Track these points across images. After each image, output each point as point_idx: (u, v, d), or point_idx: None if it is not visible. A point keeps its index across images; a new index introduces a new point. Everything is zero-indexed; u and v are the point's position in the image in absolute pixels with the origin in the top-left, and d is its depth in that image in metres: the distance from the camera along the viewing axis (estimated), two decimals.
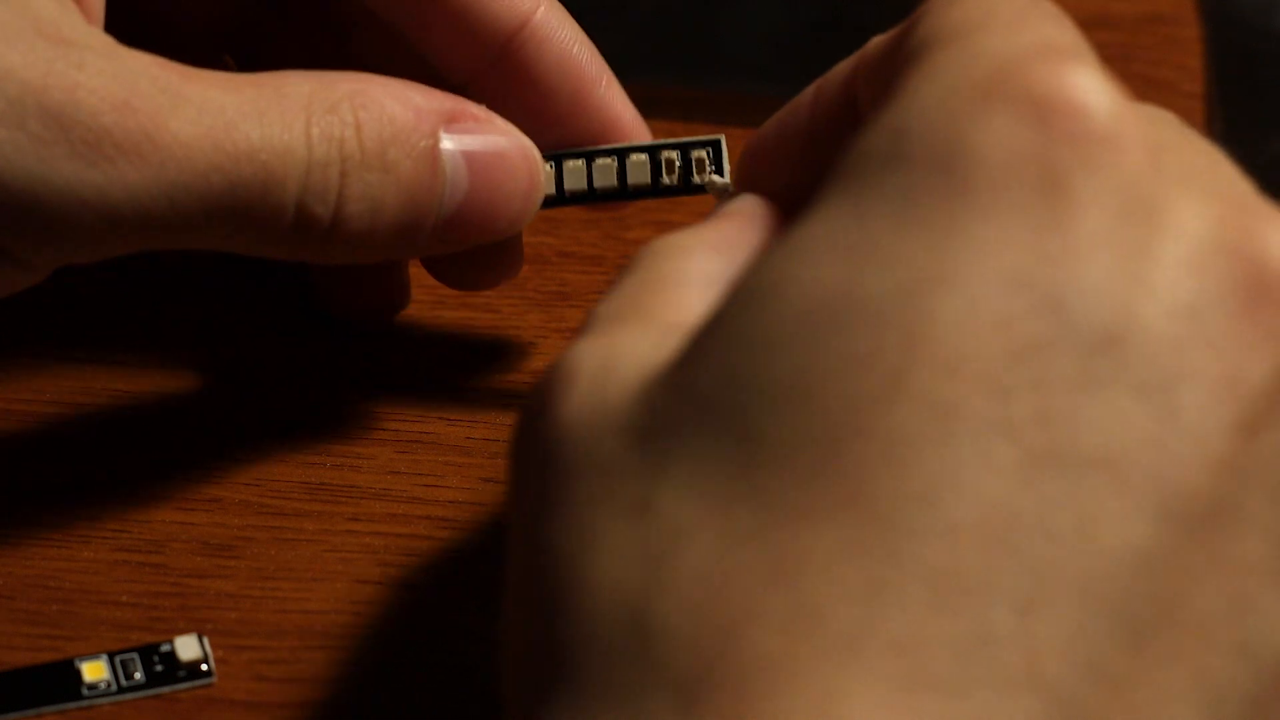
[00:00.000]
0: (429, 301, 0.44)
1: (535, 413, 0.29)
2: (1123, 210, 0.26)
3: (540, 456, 0.28)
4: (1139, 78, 0.53)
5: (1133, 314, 0.26)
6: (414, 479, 0.41)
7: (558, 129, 0.40)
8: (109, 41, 0.34)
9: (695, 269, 0.32)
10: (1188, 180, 0.27)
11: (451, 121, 0.37)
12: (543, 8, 0.39)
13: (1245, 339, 0.26)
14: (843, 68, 0.36)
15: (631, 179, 0.40)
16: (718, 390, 0.26)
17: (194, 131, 0.34)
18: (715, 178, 0.40)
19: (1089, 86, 0.27)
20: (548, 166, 0.39)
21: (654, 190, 0.40)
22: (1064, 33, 0.28)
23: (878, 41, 0.34)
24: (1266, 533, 0.26)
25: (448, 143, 0.37)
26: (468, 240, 0.38)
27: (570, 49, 0.39)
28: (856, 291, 0.26)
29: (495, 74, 0.39)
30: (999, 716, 0.24)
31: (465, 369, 0.43)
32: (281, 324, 0.44)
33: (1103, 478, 0.25)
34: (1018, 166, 0.26)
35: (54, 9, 0.34)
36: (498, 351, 0.44)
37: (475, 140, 0.37)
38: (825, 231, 0.27)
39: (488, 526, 0.40)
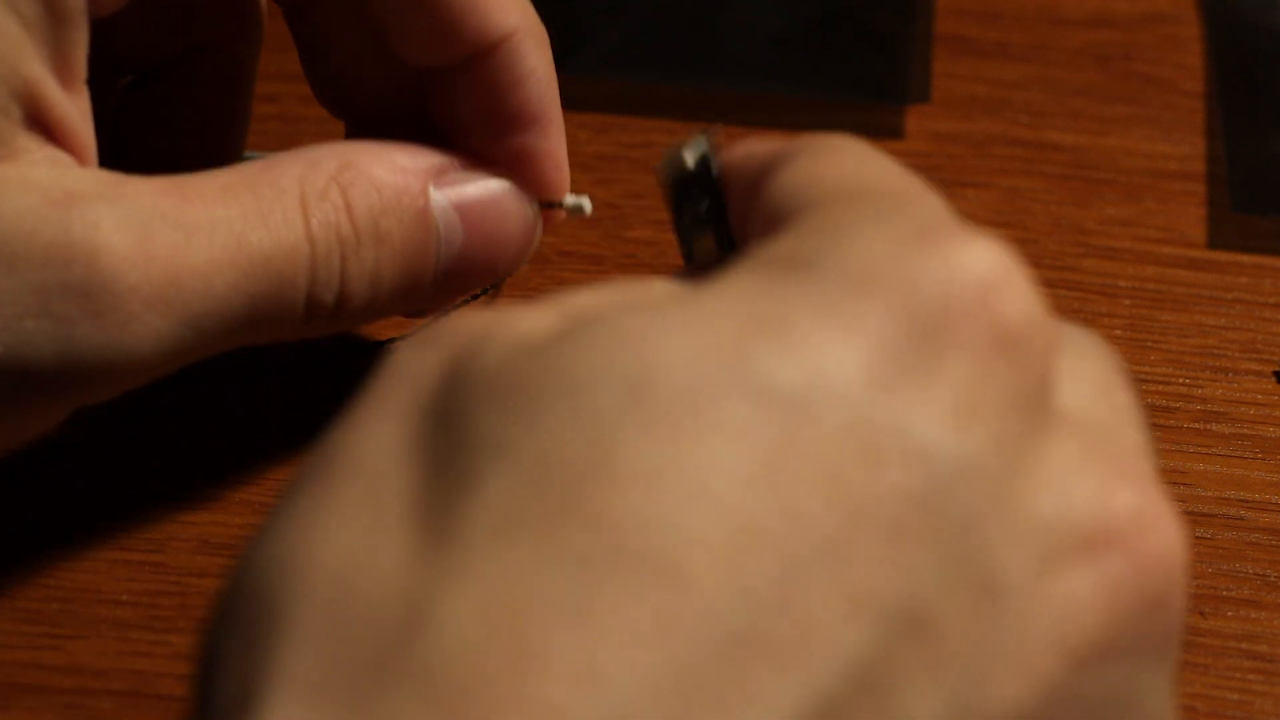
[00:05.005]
0: None
1: (420, 339, 0.28)
2: (1022, 409, 0.26)
3: (393, 363, 0.28)
4: (1139, 77, 0.54)
5: (1000, 509, 0.25)
6: None
7: (484, 148, 0.39)
8: (111, 180, 0.34)
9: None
10: (1081, 426, 0.27)
11: (439, 175, 0.37)
12: (521, 31, 0.38)
13: (1093, 584, 0.26)
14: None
15: None
16: (593, 382, 0.25)
17: (209, 260, 0.34)
18: (570, 201, 0.40)
19: (1022, 280, 0.27)
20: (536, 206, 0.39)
21: None
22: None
23: (748, 150, 0.33)
24: None
25: (438, 198, 0.37)
26: (469, 287, 0.38)
27: (529, 79, 0.38)
28: (752, 366, 0.25)
29: (452, 76, 0.38)
30: None
31: None
32: None
33: (913, 641, 0.24)
34: (939, 315, 0.26)
35: (48, 171, 0.33)
36: None
37: (465, 191, 0.37)
38: (735, 296, 0.26)
39: None
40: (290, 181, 0.35)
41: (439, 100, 0.39)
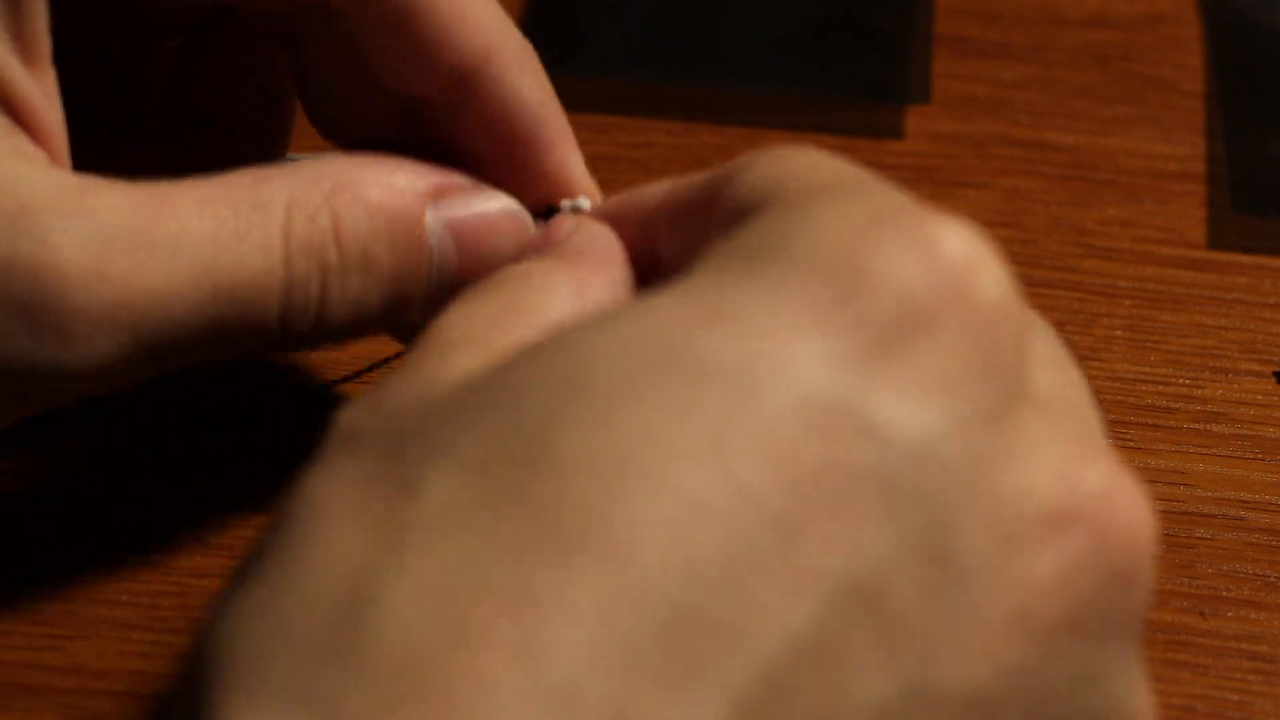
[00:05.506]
0: None
1: (358, 401, 0.28)
2: (982, 386, 0.26)
3: (333, 427, 0.28)
4: (1139, 77, 0.54)
5: (958, 489, 0.25)
6: None
7: (497, 174, 0.38)
8: (75, 188, 0.33)
9: (552, 309, 0.31)
10: (1045, 392, 0.27)
11: (438, 196, 0.36)
12: (501, 53, 0.37)
13: (1055, 564, 0.26)
14: (653, 190, 0.35)
15: None
16: (531, 387, 0.25)
17: (168, 282, 0.32)
18: (568, 203, 0.39)
19: (990, 260, 0.27)
20: (538, 223, 0.38)
21: None
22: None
23: (685, 183, 0.33)
24: None
25: (434, 221, 0.36)
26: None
27: (515, 100, 0.37)
28: (694, 347, 0.25)
29: (442, 104, 0.38)
30: None
31: None
32: None
33: (866, 617, 0.24)
34: (900, 297, 0.26)
35: (9, 167, 0.32)
36: None
37: (461, 212, 0.36)
38: (680, 292, 0.26)
39: None
40: (278, 201, 0.34)
41: (434, 127, 0.38)
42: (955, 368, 0.26)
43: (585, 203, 0.38)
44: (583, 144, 0.38)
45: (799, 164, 0.30)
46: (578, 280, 0.32)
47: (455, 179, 0.37)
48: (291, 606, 0.24)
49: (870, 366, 0.25)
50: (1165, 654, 0.39)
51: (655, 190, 0.35)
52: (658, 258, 0.34)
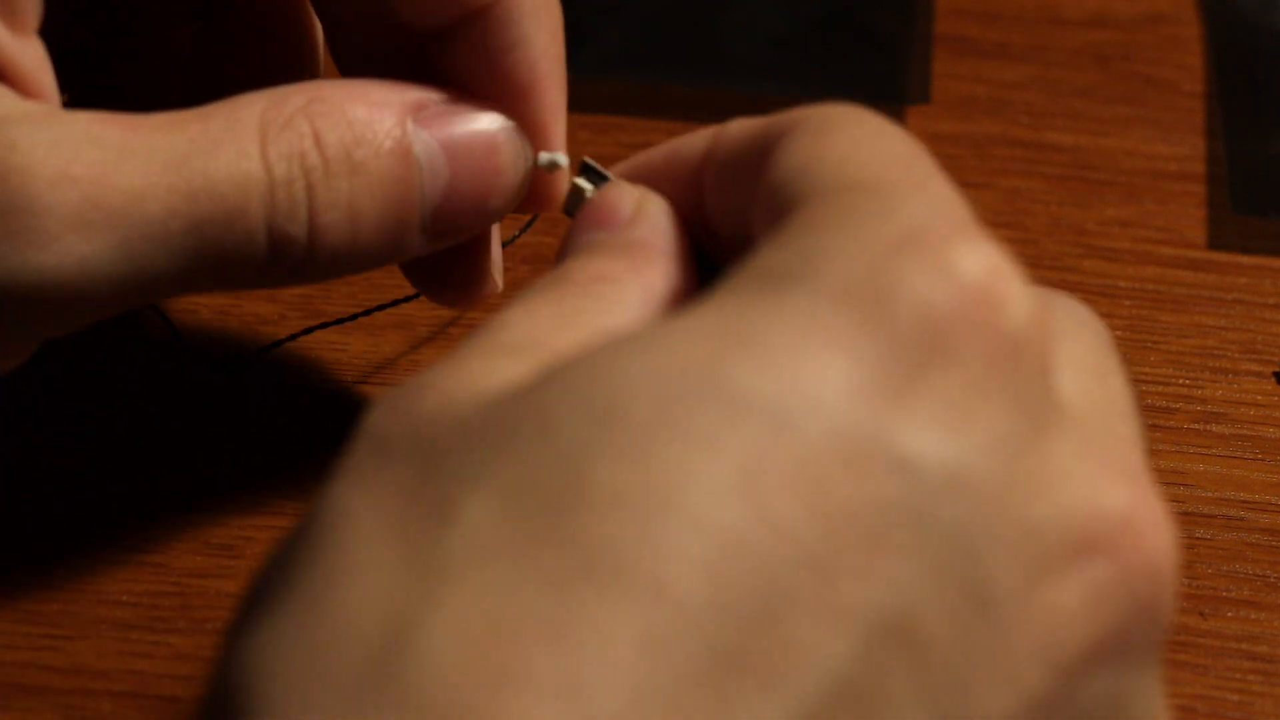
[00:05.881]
0: (431, 301, 0.44)
1: (390, 402, 0.27)
2: (1014, 413, 0.26)
3: (363, 430, 0.27)
4: (1139, 77, 0.54)
5: (989, 518, 0.25)
6: None
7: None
8: (44, 109, 0.33)
9: (620, 319, 0.30)
10: (1075, 415, 0.27)
11: (418, 110, 0.35)
12: None
13: (1083, 591, 0.26)
14: (697, 142, 0.34)
15: None
16: (566, 415, 0.25)
17: (142, 183, 0.32)
18: (545, 158, 0.38)
19: (1013, 277, 0.26)
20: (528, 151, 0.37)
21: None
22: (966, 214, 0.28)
23: (734, 133, 0.33)
24: None
25: (418, 133, 0.35)
26: (462, 230, 0.36)
27: (519, 46, 0.37)
28: (725, 378, 0.25)
29: (458, 37, 0.37)
30: None
31: None
32: (283, 322, 0.44)
33: (901, 653, 0.24)
34: (924, 325, 0.25)
35: None
36: None
37: (448, 125, 0.35)
38: (711, 316, 0.26)
39: None
40: (250, 114, 0.33)
41: (439, 69, 0.38)
42: (980, 396, 0.25)
43: (563, 159, 0.38)
44: (583, 144, 0.38)
45: (839, 145, 0.29)
46: (646, 285, 0.32)
47: (433, 94, 0.36)
48: (327, 641, 0.24)
49: (898, 397, 0.25)
50: (1165, 654, 0.39)
51: (697, 144, 0.34)
52: (704, 213, 0.33)
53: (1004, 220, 0.49)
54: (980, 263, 0.26)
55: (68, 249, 0.32)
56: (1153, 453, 0.43)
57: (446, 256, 0.38)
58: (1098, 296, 0.47)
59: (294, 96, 0.34)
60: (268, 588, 0.26)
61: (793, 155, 0.29)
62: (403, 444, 0.26)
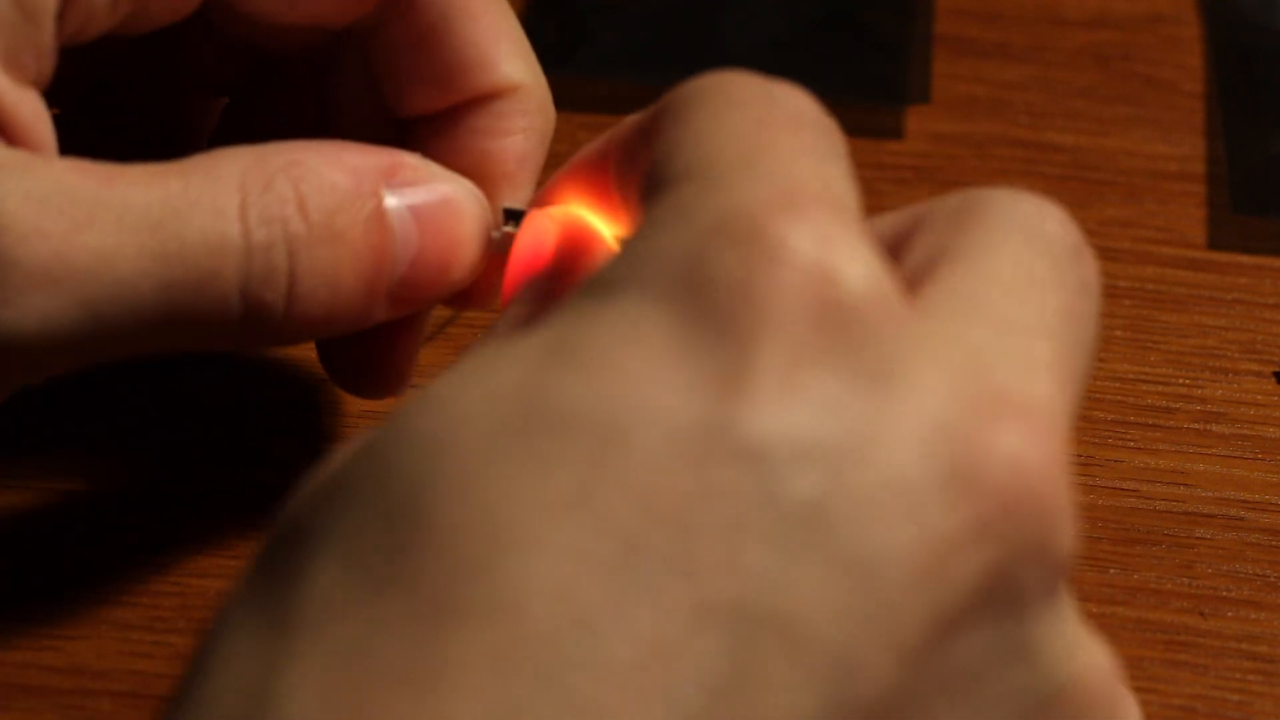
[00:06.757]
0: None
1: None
2: (853, 373, 0.25)
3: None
4: (1139, 77, 0.54)
5: (841, 481, 0.24)
6: None
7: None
8: (26, 159, 0.32)
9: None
10: (934, 352, 0.26)
11: (390, 176, 0.35)
12: (523, 90, 0.37)
13: (956, 533, 0.25)
14: (596, 145, 0.34)
15: None
16: (396, 456, 0.25)
17: (114, 241, 0.32)
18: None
19: (845, 245, 0.26)
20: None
21: None
22: (830, 175, 0.27)
23: (625, 129, 0.32)
24: None
25: (391, 200, 0.35)
26: (422, 299, 0.36)
27: (513, 137, 0.37)
28: (553, 396, 0.25)
29: (435, 124, 0.38)
30: None
31: None
32: None
33: (775, 640, 0.23)
34: (741, 306, 0.25)
35: None
36: None
37: (418, 192, 0.35)
38: (539, 338, 0.26)
39: None
40: (229, 171, 0.33)
41: (417, 147, 0.38)
42: (807, 365, 0.25)
43: (521, 205, 0.37)
44: (583, 144, 0.38)
45: (692, 127, 0.28)
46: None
47: (404, 157, 0.36)
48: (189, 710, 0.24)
49: (727, 383, 0.24)
50: (1165, 654, 0.39)
51: (597, 143, 0.34)
52: (620, 205, 0.33)
53: None
54: (803, 236, 0.25)
55: (31, 305, 0.31)
56: (1153, 453, 0.43)
57: (371, 343, 0.38)
58: None
59: (275, 156, 0.34)
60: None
61: (656, 145, 0.29)
62: (271, 535, 0.26)
